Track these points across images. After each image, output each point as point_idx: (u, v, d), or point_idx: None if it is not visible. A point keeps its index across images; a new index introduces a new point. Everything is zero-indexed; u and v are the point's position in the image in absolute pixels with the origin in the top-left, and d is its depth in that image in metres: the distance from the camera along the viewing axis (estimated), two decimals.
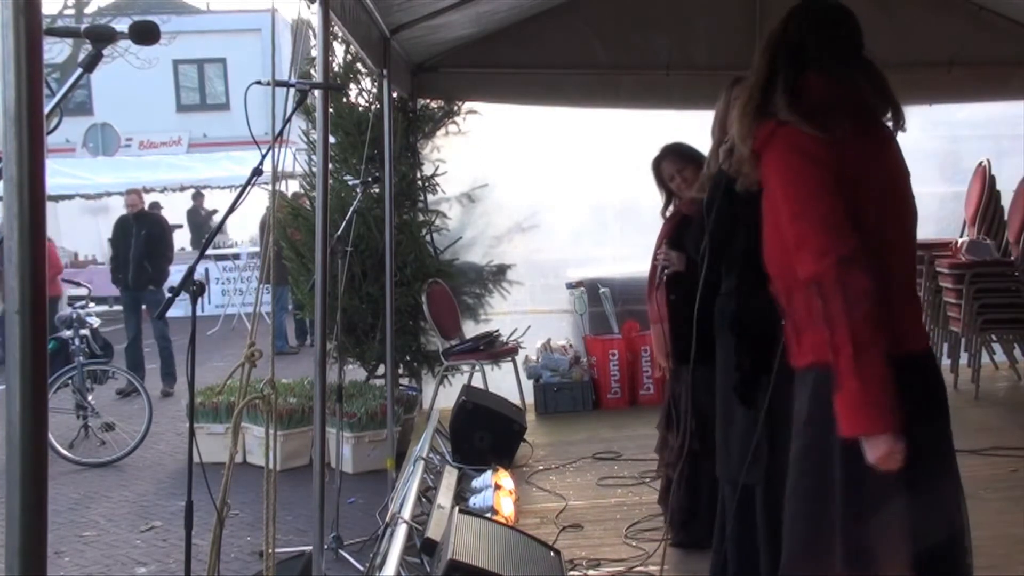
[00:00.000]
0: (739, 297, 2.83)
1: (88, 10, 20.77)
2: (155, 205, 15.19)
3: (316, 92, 3.47)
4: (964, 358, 6.63)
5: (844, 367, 1.89)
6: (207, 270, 13.20)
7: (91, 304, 7.41)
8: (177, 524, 4.32)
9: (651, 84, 6.55)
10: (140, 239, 8.36)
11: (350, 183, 6.12)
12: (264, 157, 2.81)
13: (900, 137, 2.20)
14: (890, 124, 2.16)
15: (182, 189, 15.33)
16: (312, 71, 5.72)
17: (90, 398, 6.72)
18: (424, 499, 4.38)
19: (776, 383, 2.39)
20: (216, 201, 15.72)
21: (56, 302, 8.62)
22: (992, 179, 6.84)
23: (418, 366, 6.71)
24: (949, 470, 2.09)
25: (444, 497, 4.27)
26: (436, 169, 6.70)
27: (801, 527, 2.09)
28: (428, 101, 6.73)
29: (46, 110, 1.38)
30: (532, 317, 6.85)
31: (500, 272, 6.93)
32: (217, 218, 13.64)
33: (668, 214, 3.97)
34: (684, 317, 3.69)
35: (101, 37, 1.67)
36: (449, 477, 4.69)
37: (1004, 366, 6.91)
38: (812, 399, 2.08)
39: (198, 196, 16.10)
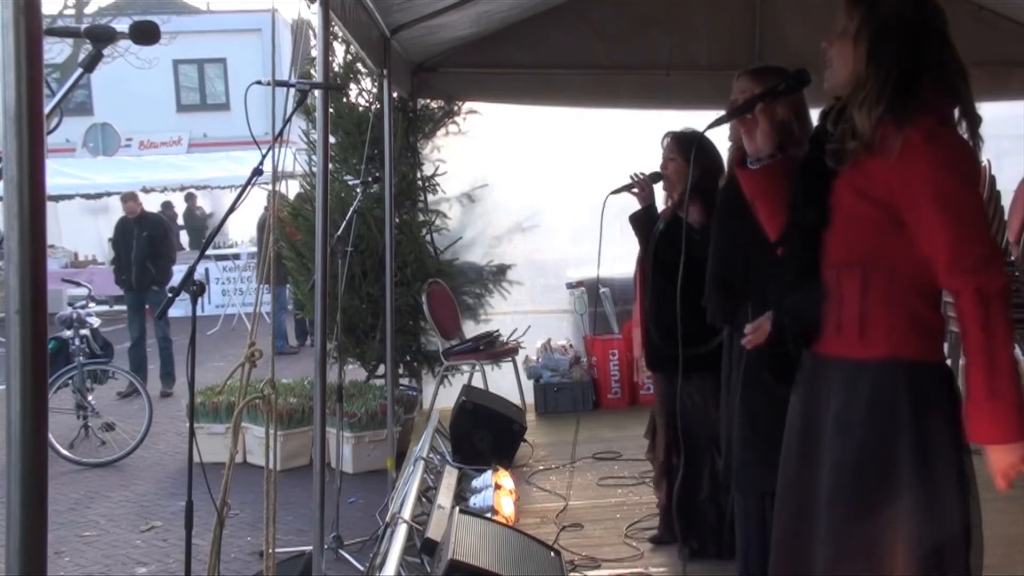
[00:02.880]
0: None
1: (88, 10, 20.77)
2: (167, 205, 15.27)
3: (316, 92, 3.47)
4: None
5: (1002, 369, 1.90)
6: (207, 270, 13.19)
7: (91, 304, 7.41)
8: (177, 524, 4.33)
9: (651, 84, 6.54)
10: (142, 240, 8.38)
11: (350, 183, 6.12)
12: (264, 157, 2.82)
13: None
14: None
15: (182, 189, 15.34)
16: (312, 71, 5.72)
17: (90, 398, 6.72)
18: (424, 499, 4.38)
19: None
20: (216, 201, 15.72)
21: None
22: (992, 179, 6.84)
23: (418, 366, 6.71)
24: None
25: (444, 497, 4.27)
26: (436, 169, 6.70)
27: (855, 528, 2.03)
28: (428, 101, 6.73)
29: (46, 110, 1.38)
30: (532, 317, 6.85)
31: (500, 272, 6.94)
32: (218, 217, 13.63)
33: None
34: (656, 324, 3.73)
35: (101, 37, 1.67)
36: (449, 477, 4.69)
37: None
38: (875, 394, 2.03)
39: (190, 197, 16.11)
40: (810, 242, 2.13)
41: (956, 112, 2.03)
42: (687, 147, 3.66)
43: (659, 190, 3.96)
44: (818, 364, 2.15)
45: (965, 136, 2.03)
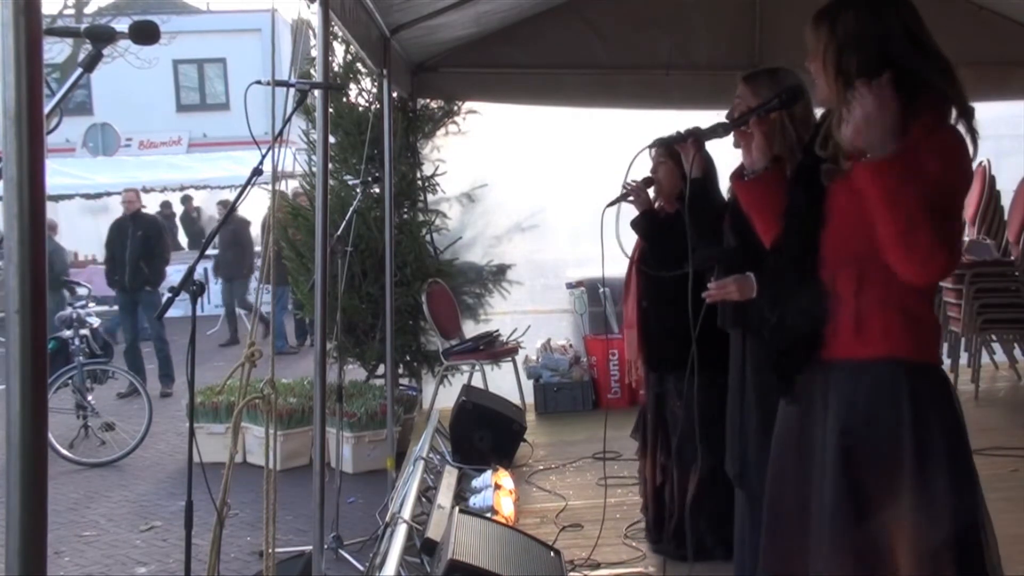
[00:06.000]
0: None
1: (88, 10, 20.75)
2: (165, 205, 15.24)
3: (316, 92, 3.47)
4: (964, 358, 6.63)
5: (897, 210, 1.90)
6: (206, 270, 13.17)
7: (91, 304, 7.41)
8: (177, 524, 4.32)
9: (651, 84, 6.54)
10: (136, 240, 8.32)
11: (350, 183, 6.12)
12: (264, 157, 2.82)
13: None
14: None
15: (182, 189, 15.34)
16: (312, 71, 5.72)
17: (90, 398, 6.72)
18: (424, 499, 4.38)
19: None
20: (216, 201, 15.70)
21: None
22: (992, 179, 6.85)
23: (418, 366, 6.72)
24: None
25: (444, 497, 4.27)
26: (436, 169, 6.70)
27: (855, 525, 2.01)
28: (428, 101, 6.73)
29: (46, 110, 1.38)
30: (532, 317, 6.85)
31: (500, 272, 6.94)
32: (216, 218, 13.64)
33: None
34: (657, 322, 3.85)
35: (101, 37, 1.67)
36: (449, 477, 4.69)
37: (1004, 366, 6.91)
38: (876, 394, 2.01)
39: (187, 200, 16.09)
40: (810, 246, 2.12)
41: (952, 111, 2.02)
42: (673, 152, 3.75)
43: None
44: (813, 368, 2.11)
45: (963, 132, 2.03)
